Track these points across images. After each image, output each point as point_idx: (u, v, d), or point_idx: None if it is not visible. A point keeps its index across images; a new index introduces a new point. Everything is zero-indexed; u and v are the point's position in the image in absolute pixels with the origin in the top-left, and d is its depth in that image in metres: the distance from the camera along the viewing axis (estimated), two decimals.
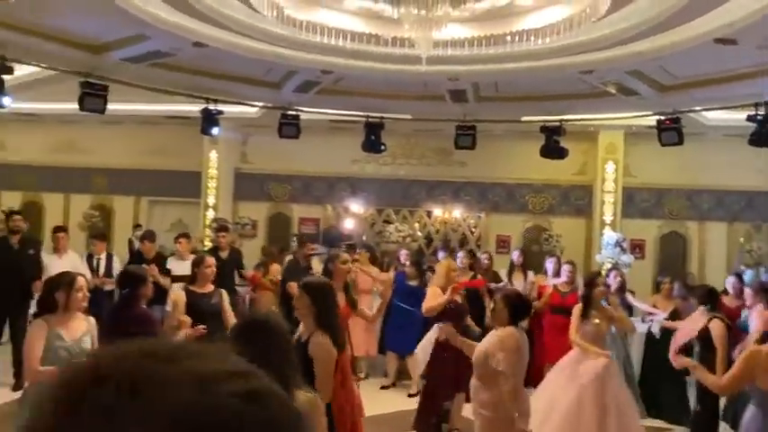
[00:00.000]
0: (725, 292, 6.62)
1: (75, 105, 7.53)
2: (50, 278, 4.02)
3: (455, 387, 5.42)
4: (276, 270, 7.63)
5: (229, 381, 0.54)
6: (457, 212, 11.80)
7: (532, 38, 5.70)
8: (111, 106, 7.61)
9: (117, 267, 7.28)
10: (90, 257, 7.40)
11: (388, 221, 11.65)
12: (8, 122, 12.35)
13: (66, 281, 3.74)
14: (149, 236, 7.63)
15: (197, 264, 4.97)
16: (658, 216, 11.08)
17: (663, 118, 8.07)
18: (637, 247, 10.57)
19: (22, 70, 7.42)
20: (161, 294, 7.17)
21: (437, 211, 11.86)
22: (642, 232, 10.94)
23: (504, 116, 9.43)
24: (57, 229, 7.51)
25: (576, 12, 5.37)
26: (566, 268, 7.28)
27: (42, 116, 11.90)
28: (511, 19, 5.87)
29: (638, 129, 9.88)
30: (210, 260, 5.03)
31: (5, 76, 6.74)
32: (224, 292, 4.99)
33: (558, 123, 8.63)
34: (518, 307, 4.10)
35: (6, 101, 6.87)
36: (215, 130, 8.84)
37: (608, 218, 10.60)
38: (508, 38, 5.82)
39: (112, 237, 11.42)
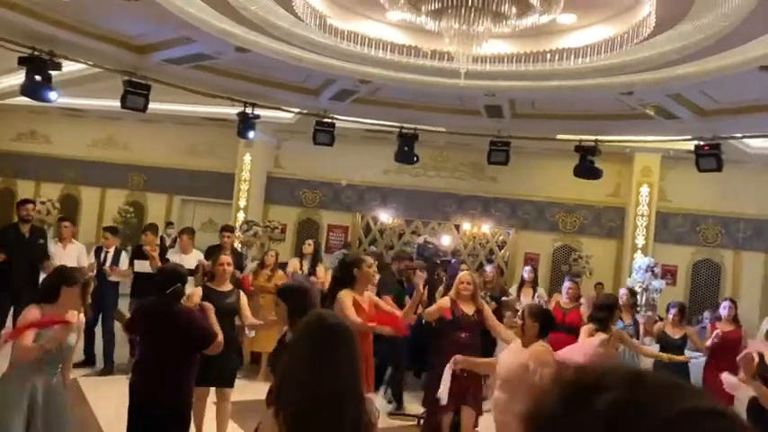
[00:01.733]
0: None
1: (117, 103, 7.71)
2: (63, 270, 3.83)
3: (457, 400, 5.43)
4: (281, 276, 7.47)
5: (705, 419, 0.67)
6: (486, 227, 11.73)
7: (573, 56, 5.66)
8: (151, 105, 7.74)
9: (124, 262, 7.32)
10: (99, 250, 7.41)
11: (416, 233, 11.65)
12: (54, 117, 12.73)
13: (83, 282, 3.63)
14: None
15: (213, 262, 5.05)
16: (692, 242, 10.88)
17: (702, 143, 7.92)
18: (668, 273, 10.38)
19: (68, 66, 7.61)
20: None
21: (466, 225, 11.81)
22: (675, 258, 10.74)
23: (539, 133, 9.37)
24: (62, 219, 7.58)
25: (618, 32, 5.32)
26: (566, 285, 7.22)
27: (85, 112, 12.22)
28: (552, 37, 5.85)
29: (675, 153, 9.74)
30: (224, 258, 5.02)
31: (53, 72, 6.91)
32: (242, 293, 5.02)
33: (593, 143, 8.53)
34: (546, 321, 4.15)
35: (53, 95, 7.05)
36: (251, 134, 8.95)
37: (640, 241, 10.43)
38: (548, 55, 5.80)
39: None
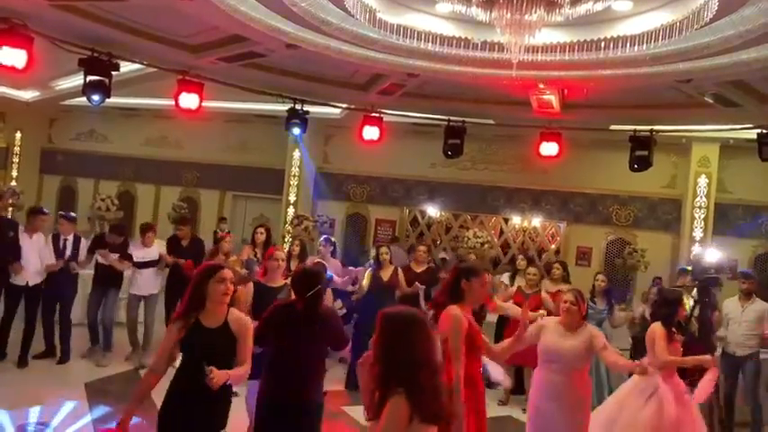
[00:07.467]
0: None
1: (170, 101, 7.90)
2: None
3: None
4: (235, 261, 6.83)
5: None
6: (536, 221, 11.55)
7: (628, 44, 5.50)
8: (203, 103, 7.90)
9: (84, 249, 7.21)
10: (56, 238, 7.09)
11: (464, 227, 11.57)
12: (111, 116, 13.17)
13: None
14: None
15: (263, 256, 5.01)
16: (754, 235, 10.45)
17: (765, 131, 7.61)
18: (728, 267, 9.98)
19: (124, 67, 7.82)
20: (117, 279, 7.29)
21: (516, 219, 11.66)
22: (735, 251, 10.31)
23: (591, 124, 9.15)
24: (31, 211, 7.37)
25: (677, 18, 5.14)
26: (530, 271, 7.17)
27: (139, 111, 12.57)
28: (607, 24, 5.69)
29: (735, 142, 9.38)
30: (279, 254, 4.89)
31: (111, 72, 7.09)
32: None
33: (648, 133, 8.29)
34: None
35: (96, 98, 7.09)
36: (300, 130, 9.04)
37: (698, 234, 10.09)
38: (602, 44, 5.64)
39: (199, 228, 11.91)
